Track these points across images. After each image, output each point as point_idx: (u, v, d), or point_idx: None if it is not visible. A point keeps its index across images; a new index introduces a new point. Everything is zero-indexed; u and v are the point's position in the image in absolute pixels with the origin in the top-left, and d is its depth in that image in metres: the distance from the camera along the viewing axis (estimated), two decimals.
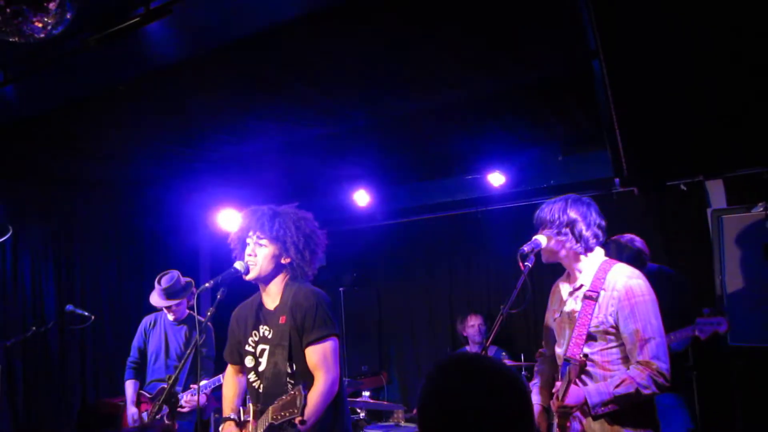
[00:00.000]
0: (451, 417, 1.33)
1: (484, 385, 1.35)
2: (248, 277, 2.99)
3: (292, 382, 2.88)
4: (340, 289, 6.86)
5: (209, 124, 4.89)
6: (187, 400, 4.63)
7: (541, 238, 2.89)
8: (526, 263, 2.82)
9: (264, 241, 2.98)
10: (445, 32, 3.54)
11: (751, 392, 4.59)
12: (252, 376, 3.06)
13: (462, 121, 5.18)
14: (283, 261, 2.99)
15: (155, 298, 4.91)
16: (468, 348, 6.13)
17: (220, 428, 3.04)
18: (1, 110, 4.20)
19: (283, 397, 2.58)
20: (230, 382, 3.22)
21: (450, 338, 6.73)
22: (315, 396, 2.75)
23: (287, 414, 2.53)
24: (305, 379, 2.83)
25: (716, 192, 5.10)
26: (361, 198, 6.42)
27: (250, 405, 2.93)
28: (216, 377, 4.65)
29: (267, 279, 3.02)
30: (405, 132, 5.38)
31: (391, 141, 5.63)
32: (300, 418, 2.49)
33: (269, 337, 3.00)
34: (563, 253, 2.82)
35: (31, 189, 5.93)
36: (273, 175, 6.35)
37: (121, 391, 5.14)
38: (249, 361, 3.07)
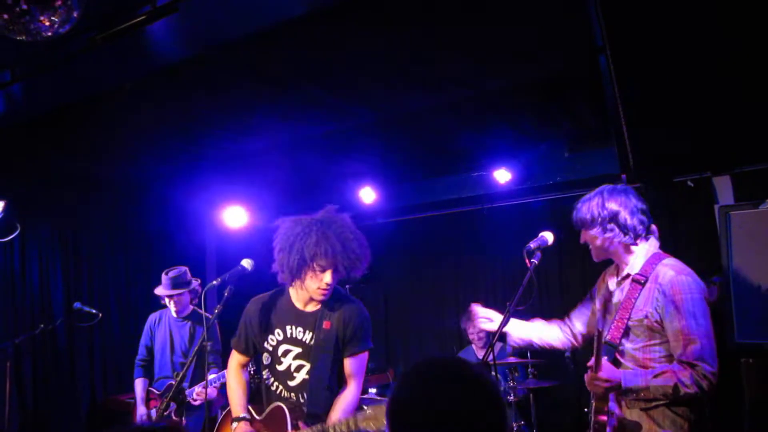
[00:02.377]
0: (417, 421, 1.35)
1: (447, 389, 1.37)
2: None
3: (329, 385, 2.96)
4: (347, 286, 6.84)
5: (215, 122, 4.90)
6: (198, 392, 4.64)
7: (548, 235, 2.88)
8: (532, 260, 2.81)
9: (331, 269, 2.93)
10: (451, 29, 3.53)
11: (759, 389, 4.57)
12: (266, 374, 3.07)
13: (468, 118, 5.17)
14: None
15: (160, 289, 4.96)
16: (473, 346, 6.13)
17: (233, 427, 3.04)
18: (8, 109, 4.22)
19: (376, 408, 2.63)
20: (237, 377, 3.20)
21: (456, 335, 6.73)
22: (348, 401, 2.93)
23: (379, 425, 2.58)
24: (339, 384, 3.00)
25: (724, 188, 5.07)
26: (367, 195, 6.42)
27: (282, 407, 2.95)
28: (223, 372, 4.67)
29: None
30: (411, 129, 5.37)
31: (396, 138, 5.62)
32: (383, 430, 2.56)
33: (305, 339, 3.00)
34: (613, 248, 2.69)
35: (39, 187, 5.96)
36: (278, 172, 6.35)
37: (130, 389, 5.17)
38: (265, 359, 3.08)
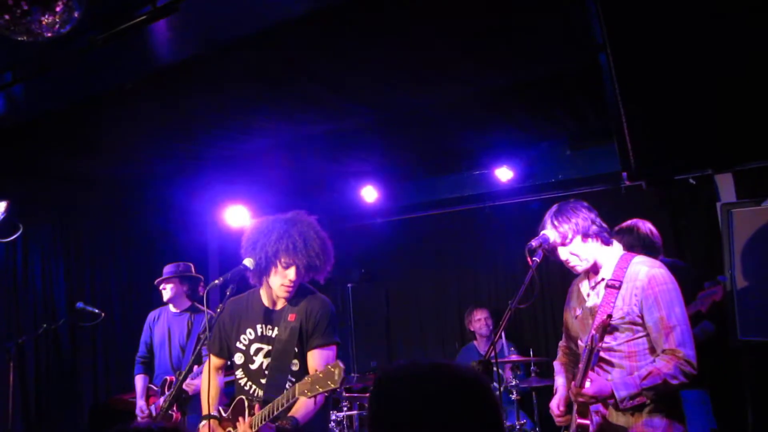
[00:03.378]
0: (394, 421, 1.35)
1: (423, 391, 1.35)
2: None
3: (293, 380, 2.95)
4: (348, 285, 6.87)
5: (216, 122, 4.91)
6: (187, 383, 4.60)
7: (550, 233, 2.88)
8: (534, 258, 2.82)
9: (294, 266, 2.98)
10: (452, 28, 3.53)
11: (762, 387, 4.57)
12: (239, 374, 3.10)
13: (469, 117, 5.17)
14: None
15: (164, 270, 5.04)
16: (476, 342, 6.14)
17: (200, 425, 3.06)
18: (10, 109, 4.23)
19: (316, 373, 2.61)
20: (211, 379, 3.18)
21: (458, 333, 6.74)
22: (307, 407, 2.85)
23: (321, 388, 2.57)
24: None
25: (726, 185, 5.07)
26: (369, 194, 6.42)
27: (243, 399, 2.97)
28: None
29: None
30: (412, 128, 5.37)
31: (398, 137, 5.63)
32: (336, 388, 2.55)
33: (273, 335, 3.04)
34: (591, 253, 2.79)
35: (41, 187, 5.97)
36: (280, 171, 6.36)
37: (132, 388, 5.18)
38: (238, 358, 3.11)
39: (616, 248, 2.85)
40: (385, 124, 5.15)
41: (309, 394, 2.60)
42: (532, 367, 5.29)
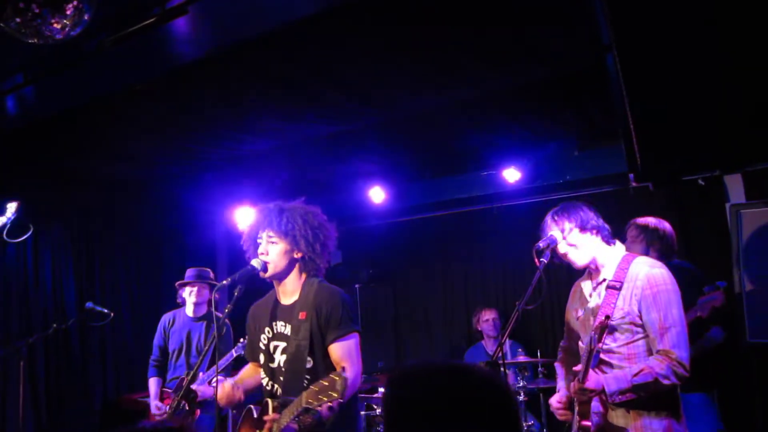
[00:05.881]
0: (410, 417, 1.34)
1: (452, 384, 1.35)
2: (266, 276, 3.02)
3: (309, 377, 2.88)
4: (356, 285, 6.88)
5: (225, 122, 4.93)
6: (198, 388, 4.64)
7: (557, 234, 2.88)
8: (541, 259, 2.82)
9: (275, 238, 2.99)
10: (459, 29, 3.54)
11: None
12: (263, 374, 3.08)
13: (477, 118, 5.17)
14: (295, 256, 3.01)
15: (186, 277, 5.06)
16: (483, 342, 6.14)
17: (212, 380, 3.04)
18: (21, 111, 4.26)
19: (321, 382, 2.53)
20: (248, 370, 3.27)
21: (466, 334, 6.74)
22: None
23: (325, 398, 2.48)
24: (322, 375, 2.81)
25: (735, 186, 5.04)
26: (377, 195, 6.43)
27: (269, 401, 2.96)
28: (212, 369, 4.68)
29: (282, 275, 3.04)
30: (420, 129, 5.38)
31: (406, 138, 5.63)
32: (340, 400, 2.47)
33: (286, 333, 3.01)
34: (591, 250, 2.82)
35: (51, 188, 6.02)
36: (289, 172, 6.38)
37: (142, 387, 5.21)
38: (261, 359, 3.10)
39: (618, 248, 2.85)
40: (392, 124, 5.16)
41: (315, 404, 2.52)
42: (539, 368, 5.28)
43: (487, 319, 6.04)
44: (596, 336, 2.60)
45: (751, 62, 2.73)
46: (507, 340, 2.82)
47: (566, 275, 6.28)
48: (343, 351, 2.88)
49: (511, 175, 5.81)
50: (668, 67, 2.81)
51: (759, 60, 2.72)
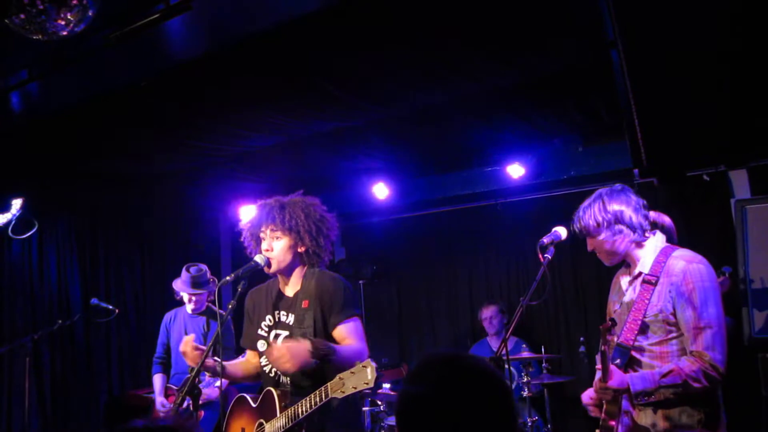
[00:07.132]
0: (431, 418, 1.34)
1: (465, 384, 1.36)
2: (270, 271, 3.03)
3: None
4: (360, 282, 6.89)
5: (229, 119, 4.93)
6: (204, 392, 4.66)
7: (561, 230, 2.87)
8: (545, 255, 2.81)
9: (278, 234, 3.01)
10: (463, 24, 3.53)
11: None
12: (264, 361, 3.09)
13: (481, 113, 5.16)
14: (299, 250, 3.04)
15: (180, 284, 5.00)
16: (487, 339, 6.14)
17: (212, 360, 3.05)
18: (26, 107, 4.27)
19: (349, 371, 2.55)
20: (246, 359, 3.28)
21: (470, 330, 6.74)
22: (347, 348, 2.84)
23: (355, 387, 2.51)
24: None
25: (740, 182, 5.03)
26: (380, 191, 6.43)
27: (272, 390, 2.96)
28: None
29: (288, 270, 3.07)
30: (424, 125, 5.37)
31: (410, 134, 5.62)
32: (370, 386, 2.50)
33: (288, 322, 3.03)
34: (623, 249, 2.65)
35: (56, 185, 6.03)
36: (293, 168, 6.38)
37: (146, 383, 5.23)
38: (261, 345, 3.12)
39: (657, 239, 2.68)
40: (396, 121, 5.15)
41: (342, 393, 2.55)
42: (543, 364, 5.28)
43: (485, 317, 6.04)
44: (601, 338, 2.48)
45: (756, 57, 2.72)
46: (511, 336, 2.80)
47: (570, 271, 6.30)
48: (348, 330, 2.94)
49: (516, 170, 5.80)
50: (673, 62, 2.80)
51: (763, 55, 2.71)
